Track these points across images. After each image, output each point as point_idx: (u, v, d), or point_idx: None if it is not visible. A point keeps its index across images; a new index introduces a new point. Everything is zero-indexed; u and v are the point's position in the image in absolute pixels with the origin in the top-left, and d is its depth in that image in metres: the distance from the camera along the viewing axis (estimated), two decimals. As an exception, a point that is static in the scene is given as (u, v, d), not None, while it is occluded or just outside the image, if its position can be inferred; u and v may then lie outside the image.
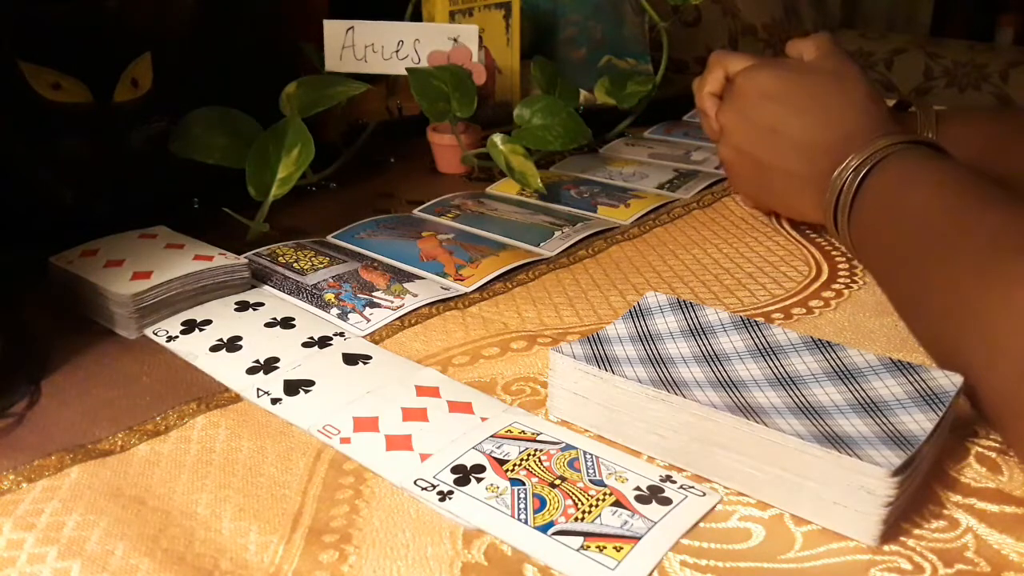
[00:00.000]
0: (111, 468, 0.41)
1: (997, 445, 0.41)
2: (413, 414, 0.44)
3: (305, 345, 0.51)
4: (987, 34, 2.35)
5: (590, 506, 0.37)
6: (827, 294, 0.57)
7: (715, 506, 0.38)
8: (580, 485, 0.38)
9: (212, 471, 0.41)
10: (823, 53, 0.64)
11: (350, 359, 0.50)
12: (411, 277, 0.60)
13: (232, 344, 0.51)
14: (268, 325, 0.54)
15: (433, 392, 0.46)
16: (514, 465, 0.40)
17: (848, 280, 0.59)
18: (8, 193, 0.63)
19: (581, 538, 0.35)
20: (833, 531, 0.36)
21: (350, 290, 0.57)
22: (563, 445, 0.41)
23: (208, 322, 0.54)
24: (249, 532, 0.36)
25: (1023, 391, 0.37)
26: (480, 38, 0.78)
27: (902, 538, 0.36)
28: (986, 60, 1.81)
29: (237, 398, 0.47)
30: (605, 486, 0.38)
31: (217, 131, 0.66)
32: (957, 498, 0.38)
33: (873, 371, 0.42)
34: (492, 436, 0.42)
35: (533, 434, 0.42)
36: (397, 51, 0.78)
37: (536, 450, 0.41)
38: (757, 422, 0.38)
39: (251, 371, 0.48)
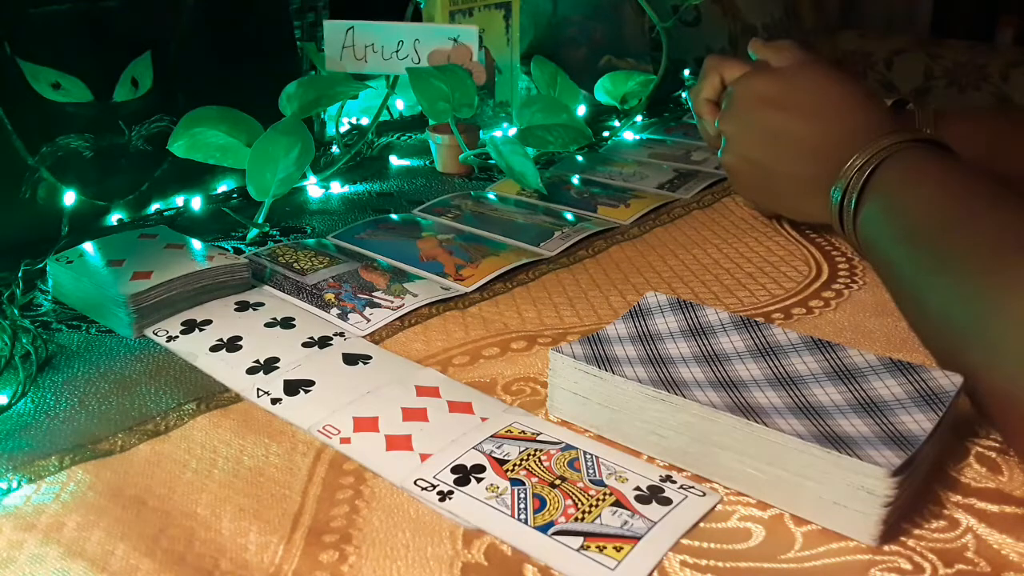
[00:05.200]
0: (111, 468, 0.41)
1: (997, 445, 0.41)
2: (413, 414, 0.44)
3: (305, 345, 0.51)
4: (987, 34, 2.35)
5: (590, 506, 0.37)
6: (827, 294, 0.57)
7: (715, 506, 0.38)
8: (580, 485, 0.38)
9: (212, 471, 0.41)
10: (802, 58, 0.64)
11: (350, 359, 0.50)
12: (411, 277, 0.60)
13: (232, 344, 0.51)
14: (268, 325, 0.54)
15: (433, 392, 0.46)
16: (514, 465, 0.40)
17: (848, 280, 0.59)
18: (8, 193, 0.63)
19: (581, 538, 0.35)
20: (833, 531, 0.36)
21: (350, 290, 0.57)
22: (563, 445, 0.41)
23: (208, 322, 0.54)
24: (249, 532, 0.36)
25: (1021, 391, 0.37)
26: (480, 38, 0.78)
27: (902, 538, 0.36)
28: (986, 60, 1.81)
29: (237, 398, 0.47)
30: (605, 486, 0.38)
31: (217, 131, 0.66)
32: (957, 498, 0.38)
33: (873, 371, 0.42)
34: (492, 436, 0.42)
35: (533, 434, 0.42)
36: (397, 51, 0.78)
37: (536, 450, 0.41)
38: (757, 422, 0.38)
39: (251, 371, 0.48)
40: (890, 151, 0.52)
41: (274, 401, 0.46)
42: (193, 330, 0.53)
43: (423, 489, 0.38)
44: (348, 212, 0.74)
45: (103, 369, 0.50)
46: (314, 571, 0.34)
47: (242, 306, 0.56)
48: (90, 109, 0.66)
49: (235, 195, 0.76)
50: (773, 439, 0.37)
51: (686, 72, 1.14)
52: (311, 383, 0.47)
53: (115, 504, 0.38)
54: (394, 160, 0.89)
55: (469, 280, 0.59)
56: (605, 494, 0.38)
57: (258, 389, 0.47)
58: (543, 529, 0.36)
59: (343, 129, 0.91)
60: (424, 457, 0.41)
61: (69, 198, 0.64)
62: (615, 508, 0.37)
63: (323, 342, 0.52)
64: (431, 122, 0.82)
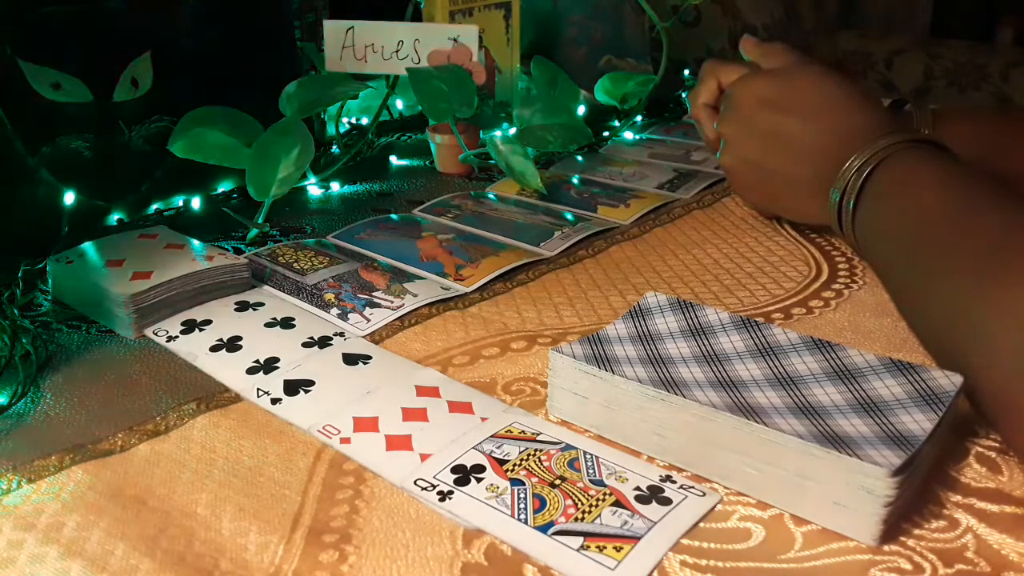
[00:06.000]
0: (111, 468, 0.41)
1: (997, 445, 0.41)
2: (413, 414, 0.44)
3: (305, 345, 0.51)
4: (987, 34, 2.35)
5: (590, 506, 0.37)
6: (827, 294, 0.57)
7: (715, 506, 0.38)
8: (580, 485, 0.38)
9: (212, 471, 0.41)
10: (796, 59, 0.64)
11: (350, 359, 0.50)
12: (411, 277, 0.60)
13: (232, 344, 0.51)
14: (268, 325, 0.54)
15: (433, 392, 0.46)
16: (514, 465, 0.40)
17: (848, 280, 0.59)
18: (8, 193, 0.63)
19: (581, 538, 0.35)
20: (833, 531, 0.36)
21: (350, 290, 0.57)
22: (563, 445, 0.41)
23: (208, 322, 0.54)
24: (249, 532, 0.36)
25: (1021, 391, 0.37)
26: (480, 38, 0.78)
27: (902, 538, 0.36)
28: (986, 60, 1.82)
29: (237, 398, 0.47)
30: (605, 486, 0.38)
31: (217, 131, 0.66)
32: (957, 498, 0.38)
33: (873, 371, 0.42)
34: (492, 436, 0.42)
35: (533, 434, 0.42)
36: (397, 51, 0.78)
37: (536, 450, 0.41)
38: (757, 422, 0.38)
39: (251, 371, 0.48)
40: (888, 152, 0.52)
41: (274, 401, 0.46)
42: (193, 330, 0.53)
43: (423, 489, 0.38)
44: (348, 212, 0.74)
45: (103, 369, 0.50)
46: (314, 571, 0.34)
47: (242, 306, 0.56)
48: (90, 109, 0.66)
49: (235, 195, 0.76)
50: (773, 439, 0.37)
51: (686, 72, 1.14)
52: (311, 383, 0.47)
53: (115, 504, 0.38)
54: (394, 160, 0.89)
55: (469, 280, 0.59)
56: (605, 494, 0.38)
57: (258, 389, 0.47)
58: (543, 529, 0.36)
59: (343, 129, 0.91)
60: (424, 457, 0.41)
61: (69, 198, 0.64)
62: (615, 508, 0.37)
63: (323, 342, 0.52)
64: (431, 122, 0.82)
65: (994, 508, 0.37)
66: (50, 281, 0.58)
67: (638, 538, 0.35)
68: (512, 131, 0.77)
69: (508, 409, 0.45)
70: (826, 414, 0.40)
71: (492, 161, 0.76)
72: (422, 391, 0.46)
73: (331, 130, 0.87)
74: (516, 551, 0.35)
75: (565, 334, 0.53)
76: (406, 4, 0.86)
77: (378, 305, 0.56)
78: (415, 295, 0.57)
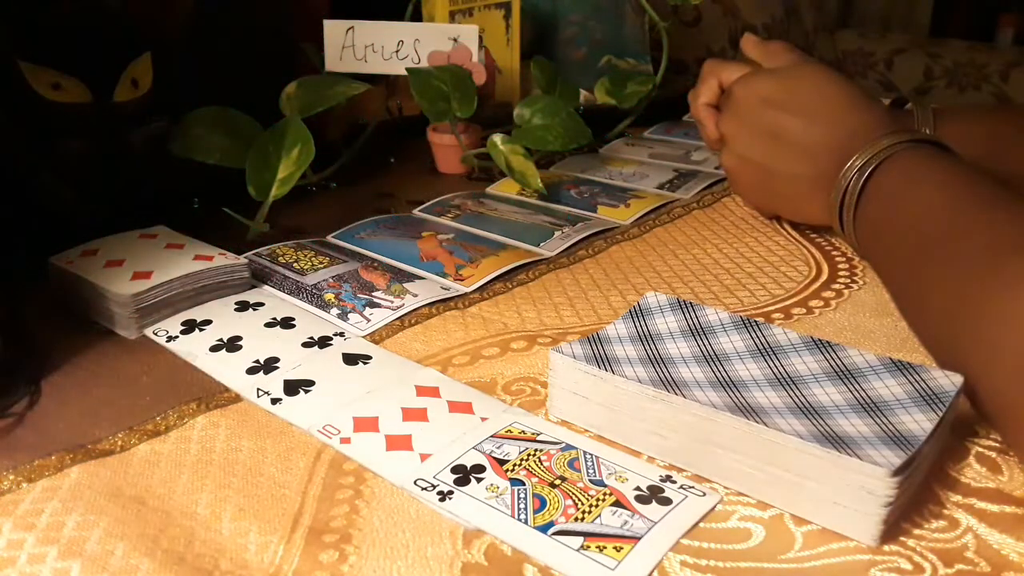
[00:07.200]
0: (111, 468, 0.41)
1: (997, 445, 0.41)
2: (413, 414, 0.44)
3: (305, 345, 0.51)
4: (987, 34, 2.35)
5: (590, 506, 0.37)
6: (827, 294, 0.57)
7: (715, 506, 0.38)
8: (580, 485, 0.38)
9: (212, 471, 0.41)
10: (797, 59, 0.65)
11: (350, 359, 0.50)
12: (411, 277, 0.60)
13: (232, 344, 0.51)
14: (268, 325, 0.54)
15: (433, 392, 0.46)
16: (514, 465, 0.40)
17: (848, 280, 0.59)
18: (8, 193, 0.63)
19: (581, 538, 0.35)
20: (833, 531, 0.36)
21: (350, 290, 0.57)
22: (563, 445, 0.41)
23: (208, 322, 0.54)
24: (249, 532, 0.36)
25: (1021, 392, 0.37)
26: (480, 38, 0.78)
27: (902, 538, 0.36)
28: (986, 60, 1.82)
29: (237, 398, 0.47)
30: (605, 486, 0.38)
31: (217, 131, 0.66)
32: (957, 498, 0.38)
33: (873, 371, 0.42)
34: (492, 436, 0.42)
35: (533, 434, 0.42)
36: (397, 51, 0.78)
37: (536, 450, 0.41)
38: (757, 422, 0.38)
39: (251, 371, 0.48)
40: (890, 151, 0.52)
41: (274, 401, 0.46)
42: (193, 330, 0.53)
43: (423, 489, 0.38)
44: (348, 212, 0.74)
45: (103, 369, 0.49)
46: (314, 571, 0.34)
47: (242, 306, 0.56)
48: (90, 109, 0.66)
49: (235, 195, 0.76)
50: (773, 439, 0.37)
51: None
52: (311, 383, 0.47)
53: (115, 504, 0.38)
54: (394, 160, 0.89)
55: (469, 280, 0.59)
56: (605, 494, 0.38)
57: (258, 389, 0.47)
58: (543, 529, 0.36)
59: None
60: (424, 457, 0.41)
61: (69, 198, 0.64)
62: (615, 508, 0.37)
63: (323, 342, 0.52)
64: (431, 122, 0.82)
65: (994, 508, 0.37)
66: (50, 281, 0.58)
67: (638, 538, 0.35)
68: (512, 131, 0.77)
69: (508, 409, 0.45)
70: (826, 414, 0.40)
71: (492, 161, 0.76)
72: (422, 391, 0.46)
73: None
74: (516, 551, 0.35)
75: (565, 334, 0.53)
76: (406, 4, 0.86)
77: (378, 305, 0.56)
78: (415, 295, 0.57)
